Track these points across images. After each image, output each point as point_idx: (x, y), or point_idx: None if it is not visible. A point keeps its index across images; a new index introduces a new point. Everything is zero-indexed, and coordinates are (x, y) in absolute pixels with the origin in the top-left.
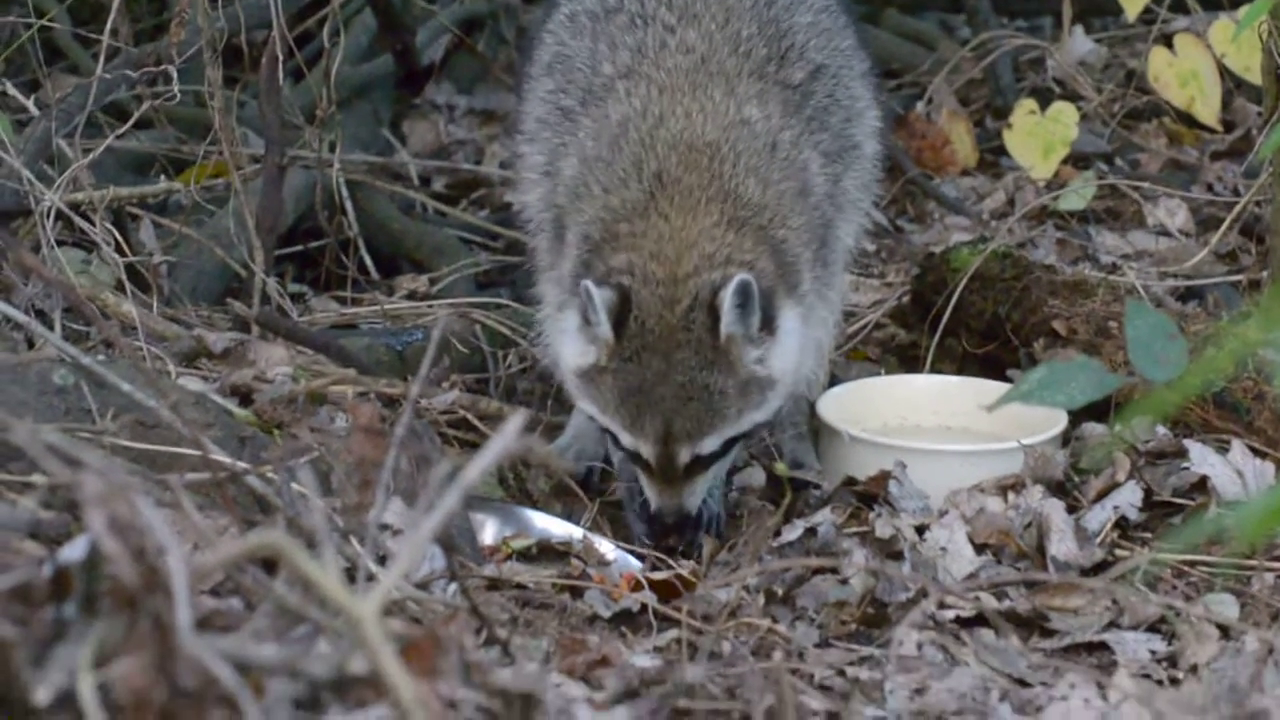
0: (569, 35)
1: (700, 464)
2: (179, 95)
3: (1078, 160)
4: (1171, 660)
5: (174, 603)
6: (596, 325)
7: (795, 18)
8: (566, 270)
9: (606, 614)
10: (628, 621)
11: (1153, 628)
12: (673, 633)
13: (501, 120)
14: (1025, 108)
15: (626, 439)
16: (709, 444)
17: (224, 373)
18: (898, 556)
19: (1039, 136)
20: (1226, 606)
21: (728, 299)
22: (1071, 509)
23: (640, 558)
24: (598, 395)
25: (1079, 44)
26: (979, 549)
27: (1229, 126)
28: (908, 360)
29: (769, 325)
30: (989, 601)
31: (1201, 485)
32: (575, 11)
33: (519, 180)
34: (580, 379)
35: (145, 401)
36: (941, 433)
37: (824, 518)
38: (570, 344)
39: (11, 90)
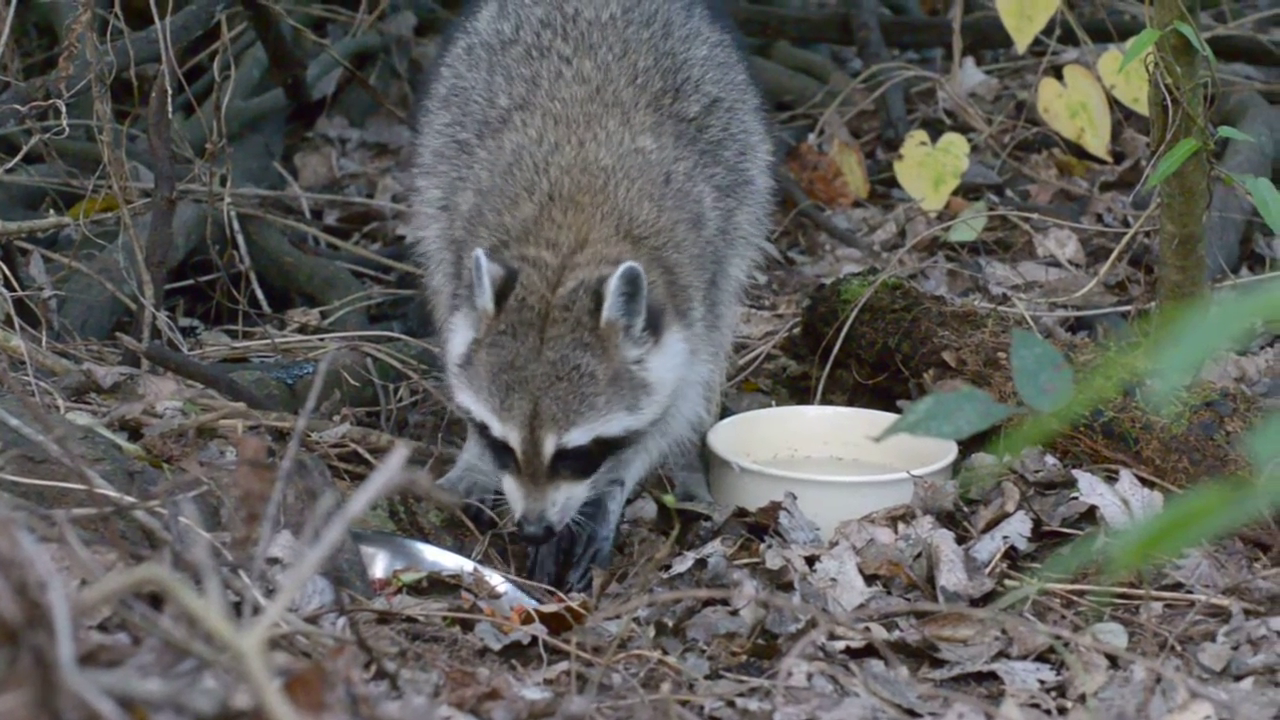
0: (465, 68)
1: (566, 463)
2: (68, 129)
3: (968, 191)
4: (1060, 690)
5: (56, 638)
6: (479, 295)
7: (692, 51)
8: (463, 287)
9: (497, 646)
10: (518, 654)
11: (1041, 657)
12: (563, 665)
13: (394, 154)
14: (916, 139)
15: (495, 426)
16: (575, 435)
17: (113, 407)
18: (788, 588)
19: (930, 168)
20: (1114, 636)
21: (613, 284)
22: (961, 539)
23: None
24: (472, 378)
25: (969, 76)
26: (869, 580)
27: (1118, 157)
28: (798, 391)
29: (654, 330)
30: (879, 632)
31: (1090, 515)
32: (472, 44)
33: (415, 214)
34: (460, 368)
35: (32, 436)
36: (832, 464)
37: (714, 549)
38: (455, 338)
39: None
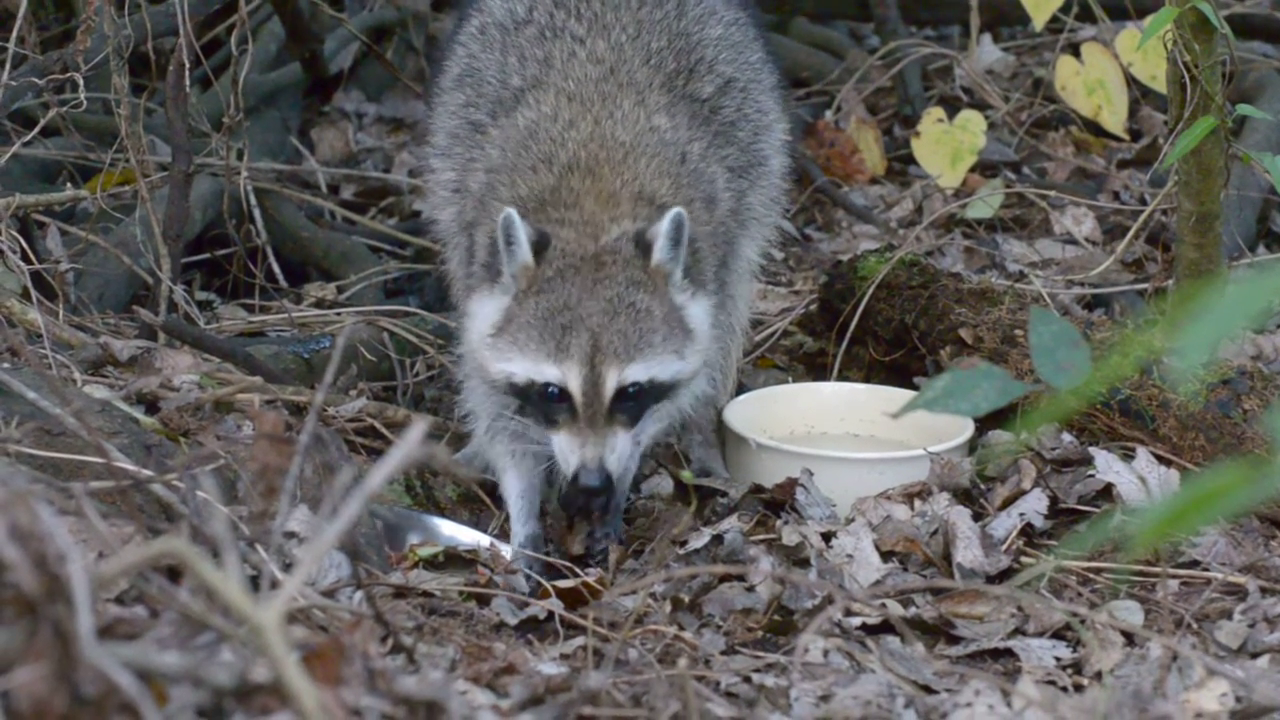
0: (479, 48)
1: (623, 406)
2: (86, 103)
3: (985, 168)
4: (1076, 667)
5: (75, 610)
6: (515, 254)
7: (706, 31)
8: (477, 267)
9: (513, 621)
10: (534, 629)
11: (1058, 634)
12: (579, 640)
13: (410, 128)
14: (933, 116)
15: (550, 371)
16: (635, 371)
17: (130, 380)
18: (804, 564)
19: (947, 145)
20: (1131, 613)
21: (664, 227)
22: (978, 516)
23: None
24: (516, 335)
25: (987, 53)
26: (885, 556)
27: (1135, 135)
28: (815, 368)
29: (693, 280)
30: (895, 608)
31: (1107, 492)
32: (485, 24)
33: (430, 194)
34: (494, 336)
35: (50, 409)
36: (848, 440)
37: (731, 525)
38: (481, 314)
39: None
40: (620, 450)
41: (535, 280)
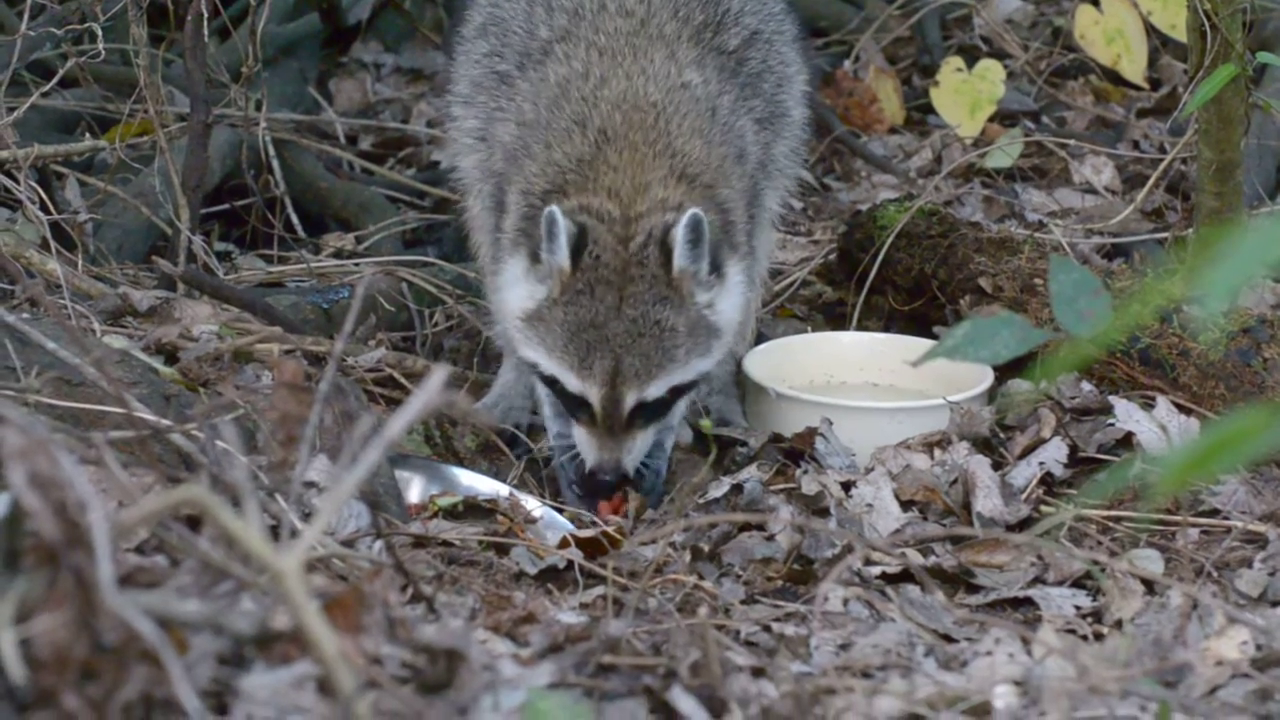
0: None
1: (643, 414)
2: (104, 53)
3: (1004, 118)
4: (1096, 615)
5: (96, 558)
6: (554, 253)
7: None
8: (508, 225)
9: (533, 571)
10: (554, 578)
11: (1078, 583)
12: (599, 589)
13: (429, 79)
14: (952, 65)
15: (573, 382)
16: (655, 388)
17: (149, 330)
18: (824, 513)
19: (966, 94)
20: (1151, 561)
21: (680, 233)
22: (997, 465)
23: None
24: (545, 336)
25: (1006, 2)
26: (905, 505)
27: (1155, 84)
28: (834, 317)
29: (718, 270)
30: (915, 557)
31: (1126, 441)
32: None
33: (451, 142)
34: (526, 322)
35: (70, 359)
36: (868, 390)
37: (750, 474)
38: (516, 288)
39: None
40: (638, 450)
41: (568, 288)
